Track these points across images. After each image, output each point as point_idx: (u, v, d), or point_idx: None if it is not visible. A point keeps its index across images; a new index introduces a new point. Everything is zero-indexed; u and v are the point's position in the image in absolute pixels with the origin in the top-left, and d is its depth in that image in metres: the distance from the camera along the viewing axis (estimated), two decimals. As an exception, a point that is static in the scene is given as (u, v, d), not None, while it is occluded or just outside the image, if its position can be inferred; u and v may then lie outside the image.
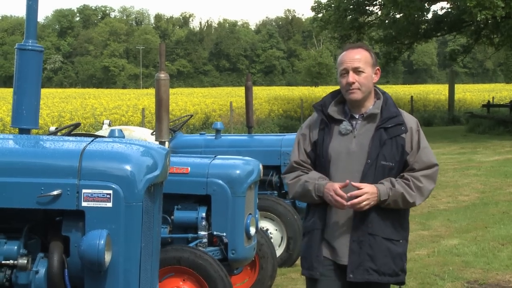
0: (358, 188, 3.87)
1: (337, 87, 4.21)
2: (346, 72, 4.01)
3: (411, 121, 4.06)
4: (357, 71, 3.98)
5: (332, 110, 4.07)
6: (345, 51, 4.10)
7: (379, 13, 35.08)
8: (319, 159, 4.07)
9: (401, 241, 4.02)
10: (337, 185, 3.89)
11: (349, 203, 3.84)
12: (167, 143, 5.86)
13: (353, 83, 3.97)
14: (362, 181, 3.92)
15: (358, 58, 4.01)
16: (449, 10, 33.85)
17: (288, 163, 4.23)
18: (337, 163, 3.99)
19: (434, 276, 7.58)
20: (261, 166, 6.54)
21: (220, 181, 6.05)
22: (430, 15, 34.40)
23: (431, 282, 7.35)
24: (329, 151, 4.01)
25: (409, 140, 3.98)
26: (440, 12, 34.89)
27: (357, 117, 4.05)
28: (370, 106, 4.06)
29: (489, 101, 37.67)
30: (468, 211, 11.58)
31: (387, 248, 3.95)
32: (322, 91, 50.69)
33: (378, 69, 4.11)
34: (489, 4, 26.24)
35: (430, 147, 4.08)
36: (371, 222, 3.93)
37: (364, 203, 3.86)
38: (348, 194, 3.84)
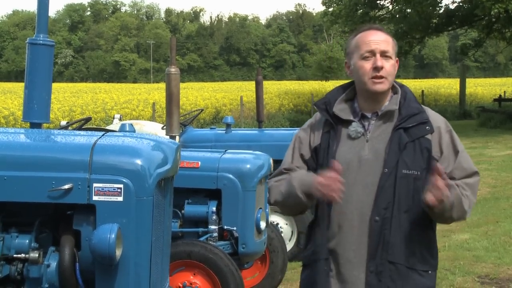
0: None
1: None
2: (372, 54, 3.19)
3: (438, 120, 3.27)
4: (385, 55, 3.20)
5: (339, 109, 3.27)
6: (366, 31, 3.27)
7: (390, 7, 35.02)
8: (323, 169, 3.18)
9: (430, 272, 3.21)
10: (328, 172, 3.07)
11: (435, 181, 2.95)
12: (177, 137, 5.87)
13: (382, 68, 3.17)
14: (378, 196, 3.13)
15: (387, 41, 3.24)
16: (461, 4, 33.70)
17: None
18: (347, 174, 3.13)
19: (445, 270, 7.57)
20: (271, 160, 6.53)
21: (231, 176, 6.05)
22: (441, 9, 34.29)
23: (441, 277, 7.33)
24: (337, 159, 3.17)
25: (436, 142, 3.20)
26: (451, 6, 34.79)
27: (369, 116, 3.25)
28: (386, 102, 3.26)
29: (500, 95, 37.50)
30: (479, 206, 11.54)
31: (413, 280, 3.14)
32: (332, 85, 50.45)
33: (397, 60, 3.34)
34: (502, -3, 26.11)
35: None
36: (392, 247, 3.12)
37: (445, 193, 2.98)
38: (441, 169, 2.98)
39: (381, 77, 3.17)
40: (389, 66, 3.20)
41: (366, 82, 3.20)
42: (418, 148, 3.16)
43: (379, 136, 3.20)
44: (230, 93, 43.00)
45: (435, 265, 3.26)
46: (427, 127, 3.19)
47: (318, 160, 3.30)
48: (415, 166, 3.14)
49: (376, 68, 3.16)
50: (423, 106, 3.29)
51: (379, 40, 3.21)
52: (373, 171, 3.15)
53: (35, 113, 4.08)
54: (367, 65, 3.18)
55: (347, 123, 3.26)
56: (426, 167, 3.14)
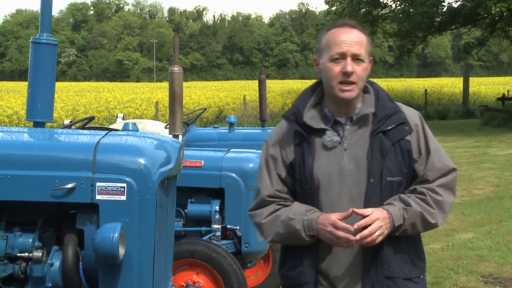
0: (364, 216, 2.86)
1: None
2: (342, 57, 2.93)
3: (413, 116, 3.05)
4: (356, 59, 2.93)
5: (309, 117, 3.01)
6: (339, 28, 2.99)
7: (393, 6, 35.02)
8: (301, 186, 3.01)
9: (421, 276, 3.08)
10: (335, 216, 2.87)
11: (357, 237, 2.83)
12: (180, 136, 5.87)
13: (352, 73, 2.92)
14: (366, 207, 2.91)
15: (360, 42, 2.96)
16: (464, 3, 33.67)
17: (256, 196, 3.13)
18: (329, 188, 2.95)
19: (448, 270, 7.56)
20: (274, 160, 6.52)
21: (234, 175, 6.05)
22: (444, 8, 34.27)
23: (445, 276, 7.33)
24: (315, 174, 2.96)
25: (415, 142, 3.00)
26: (454, 5, 34.77)
27: (343, 121, 3.01)
28: (359, 104, 3.02)
29: (504, 94, 37.45)
30: (483, 205, 11.53)
31: None
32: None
33: (371, 60, 3.06)
34: (504, -4, 26.09)
35: (441, 147, 3.09)
36: (387, 262, 2.95)
37: (377, 233, 2.84)
38: (355, 226, 2.83)
39: (351, 83, 2.93)
40: (360, 70, 2.95)
41: (334, 86, 2.96)
42: (399, 152, 2.96)
43: (356, 143, 2.97)
44: (233, 92, 43.02)
45: (424, 268, 3.12)
46: (406, 128, 2.99)
47: (295, 176, 3.03)
48: (398, 171, 2.96)
49: (346, 73, 2.92)
50: (396, 103, 3.07)
51: (351, 41, 2.94)
52: (356, 182, 2.94)
53: (39, 112, 4.09)
54: (337, 69, 2.93)
55: (320, 132, 3.00)
56: (408, 171, 2.98)
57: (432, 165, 2.98)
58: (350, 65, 2.91)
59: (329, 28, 3.03)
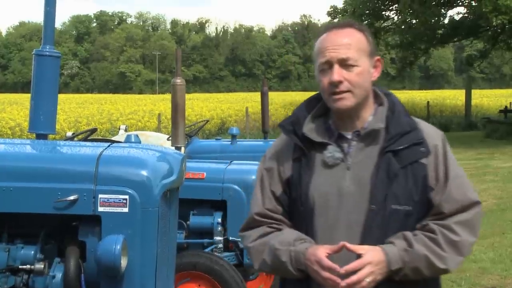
0: (357, 254, 2.45)
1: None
2: (329, 66, 2.57)
3: (434, 136, 2.63)
4: (345, 64, 2.55)
5: (309, 129, 2.63)
6: (327, 33, 2.63)
7: (395, 18, 35.09)
8: (296, 207, 2.63)
9: None
10: (323, 251, 2.47)
11: (343, 283, 2.41)
12: (183, 148, 5.86)
13: (340, 82, 2.54)
14: (364, 238, 2.50)
15: (347, 43, 2.57)
16: (466, 15, 33.75)
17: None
18: (325, 211, 2.55)
19: (451, 282, 7.53)
20: (277, 172, 6.51)
21: (236, 186, 6.04)
22: (446, 21, 34.36)
23: (448, 289, 7.31)
24: (311, 194, 2.57)
25: (432, 167, 2.56)
26: (456, 18, 34.87)
27: (349, 136, 2.61)
28: (369, 116, 2.63)
29: (506, 106, 37.45)
30: (485, 217, 11.47)
31: None
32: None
33: (378, 59, 2.66)
34: (505, 9, 26.15)
35: (465, 175, 2.64)
36: None
37: (368, 280, 2.43)
38: (342, 270, 2.42)
39: (341, 92, 2.55)
40: (353, 76, 2.55)
41: (327, 99, 2.61)
42: (411, 177, 2.53)
43: (362, 162, 2.56)
44: (235, 104, 43.07)
45: None
46: (421, 149, 2.56)
47: (292, 195, 2.65)
48: (407, 199, 2.52)
49: (333, 84, 2.56)
50: (415, 119, 2.68)
51: (337, 45, 2.57)
52: (357, 207, 2.53)
53: (41, 124, 4.10)
54: (325, 80, 2.57)
55: (322, 146, 2.61)
56: (420, 199, 2.54)
57: (449, 195, 2.54)
58: (336, 74, 2.55)
59: (319, 34, 2.68)
